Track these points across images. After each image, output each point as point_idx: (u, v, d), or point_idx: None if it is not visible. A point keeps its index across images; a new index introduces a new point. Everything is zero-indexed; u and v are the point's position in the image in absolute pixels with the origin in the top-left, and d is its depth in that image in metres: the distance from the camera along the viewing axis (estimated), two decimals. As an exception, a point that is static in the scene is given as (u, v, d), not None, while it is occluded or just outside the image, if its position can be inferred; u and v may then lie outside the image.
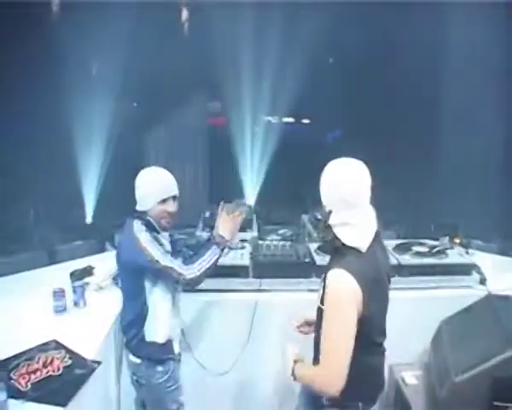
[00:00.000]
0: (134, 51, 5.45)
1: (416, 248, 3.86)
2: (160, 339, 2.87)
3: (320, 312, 2.26)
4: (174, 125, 5.86)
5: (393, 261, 3.71)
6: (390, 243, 3.99)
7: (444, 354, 3.22)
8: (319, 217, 3.96)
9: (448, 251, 3.86)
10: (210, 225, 4.27)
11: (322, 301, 2.23)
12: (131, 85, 5.59)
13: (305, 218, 4.48)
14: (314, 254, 3.71)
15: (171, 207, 2.88)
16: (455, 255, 3.87)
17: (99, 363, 2.74)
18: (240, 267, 3.64)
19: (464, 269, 3.74)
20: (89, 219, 5.33)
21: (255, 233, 4.18)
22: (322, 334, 2.20)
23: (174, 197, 2.90)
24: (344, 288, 2.12)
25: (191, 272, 2.72)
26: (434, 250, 3.80)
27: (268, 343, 3.52)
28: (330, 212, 2.22)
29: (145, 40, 5.41)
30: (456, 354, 3.12)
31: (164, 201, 2.84)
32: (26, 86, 5.15)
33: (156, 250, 2.71)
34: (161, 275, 2.75)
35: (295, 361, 2.35)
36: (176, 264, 2.72)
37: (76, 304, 3.36)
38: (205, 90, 6.11)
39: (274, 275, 3.63)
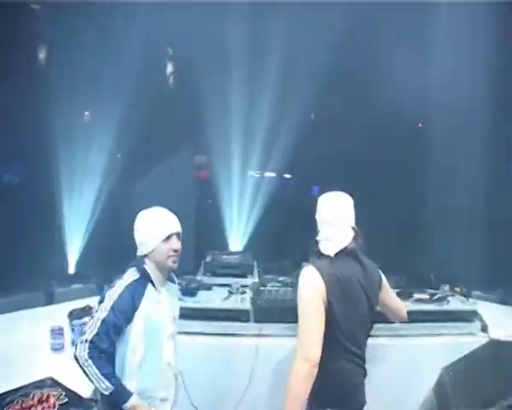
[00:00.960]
0: (118, 103, 5.49)
1: (417, 295, 3.85)
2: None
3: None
4: (159, 177, 5.84)
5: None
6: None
7: (446, 401, 3.17)
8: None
9: (449, 298, 3.85)
10: (210, 270, 4.32)
11: None
12: (115, 136, 5.60)
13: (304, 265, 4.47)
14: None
15: (176, 244, 2.75)
16: (456, 302, 3.87)
17: (96, 402, 2.68)
18: (240, 311, 3.63)
19: (466, 316, 3.73)
20: (71, 270, 5.26)
21: (256, 279, 4.17)
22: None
23: (178, 234, 2.79)
24: (309, 276, 2.57)
25: (80, 353, 2.51)
26: (435, 297, 3.80)
27: (268, 388, 3.47)
28: (319, 231, 2.73)
29: (130, 91, 5.44)
30: (459, 400, 3.08)
31: (168, 238, 2.73)
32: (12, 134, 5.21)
33: (105, 310, 2.58)
34: None
35: None
36: (82, 338, 2.56)
37: (74, 343, 3.31)
38: (189, 144, 6.13)
39: (274, 320, 3.61)
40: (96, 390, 2.78)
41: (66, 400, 2.64)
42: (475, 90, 5.55)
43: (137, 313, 2.62)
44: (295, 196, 6.28)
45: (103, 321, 2.53)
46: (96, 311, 2.64)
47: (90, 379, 2.52)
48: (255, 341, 3.51)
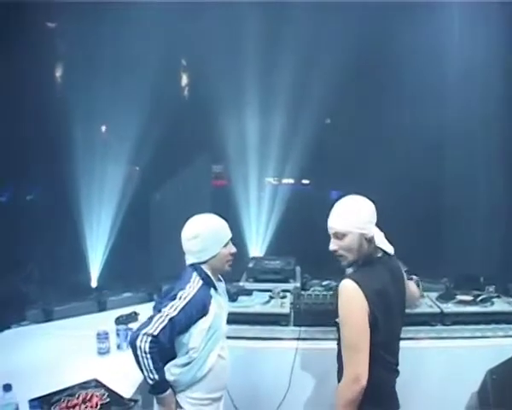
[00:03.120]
0: (134, 115, 5.58)
1: (459, 297, 3.80)
2: None
3: (337, 325, 2.51)
4: (178, 188, 5.89)
5: (436, 310, 3.68)
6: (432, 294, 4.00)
7: (489, 404, 3.12)
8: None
9: (494, 300, 3.77)
10: (253, 276, 4.40)
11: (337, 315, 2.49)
12: (133, 149, 5.68)
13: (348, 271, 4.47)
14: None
15: (233, 248, 2.93)
16: (501, 304, 3.78)
17: (136, 402, 2.80)
18: (280, 315, 3.68)
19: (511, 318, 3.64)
20: (93, 283, 5.39)
21: (298, 284, 4.21)
22: (342, 342, 2.47)
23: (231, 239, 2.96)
24: (351, 292, 2.40)
25: (141, 344, 2.63)
26: (479, 299, 3.72)
27: (307, 392, 3.50)
28: (372, 236, 2.53)
29: (145, 103, 5.51)
30: (503, 404, 3.02)
31: (226, 244, 2.89)
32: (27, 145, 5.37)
33: (175, 310, 2.69)
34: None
35: None
36: (145, 330, 2.65)
37: (119, 347, 3.47)
38: (206, 153, 6.14)
39: (314, 323, 3.65)
40: (136, 391, 2.93)
41: (108, 400, 2.76)
42: (493, 88, 5.40)
43: (206, 317, 2.76)
44: (314, 201, 6.17)
45: (171, 320, 2.66)
46: (162, 309, 2.73)
47: (140, 367, 2.67)
48: (295, 344, 3.56)
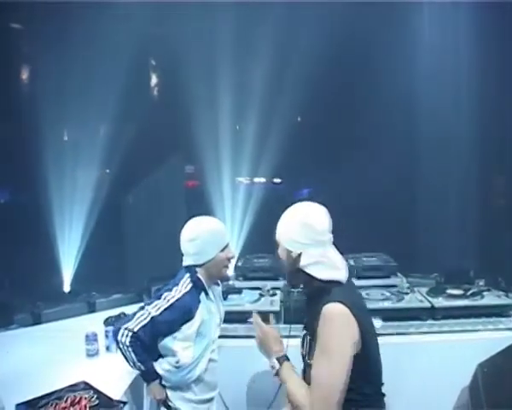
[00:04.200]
0: (104, 117, 5.56)
1: (450, 291, 3.79)
2: None
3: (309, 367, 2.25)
4: (150, 190, 5.86)
5: (426, 304, 3.67)
6: (423, 289, 4.00)
7: (481, 398, 3.10)
8: (352, 263, 3.99)
9: (484, 293, 3.77)
10: (242, 274, 4.36)
11: (310, 356, 2.27)
12: (105, 151, 5.65)
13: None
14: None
15: (231, 252, 2.91)
16: (492, 297, 3.77)
17: (124, 403, 2.77)
18: (270, 313, 3.64)
19: (502, 310, 3.64)
20: (67, 288, 5.35)
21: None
22: (316, 367, 2.16)
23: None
24: (344, 318, 2.09)
25: (122, 339, 2.68)
26: (469, 292, 3.72)
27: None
28: (300, 254, 2.24)
29: (116, 104, 5.48)
30: (494, 398, 3.00)
31: (224, 248, 2.86)
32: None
33: (158, 309, 2.70)
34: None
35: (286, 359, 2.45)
36: (127, 325, 2.69)
37: (108, 349, 3.43)
38: (178, 153, 6.10)
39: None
40: (126, 392, 2.91)
41: (96, 402, 2.73)
42: (474, 88, 5.44)
43: (191, 323, 2.75)
44: (286, 199, 6.19)
45: (152, 319, 2.67)
46: (147, 304, 2.73)
47: (125, 358, 2.72)
48: (285, 342, 3.53)
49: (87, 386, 2.90)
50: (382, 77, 5.43)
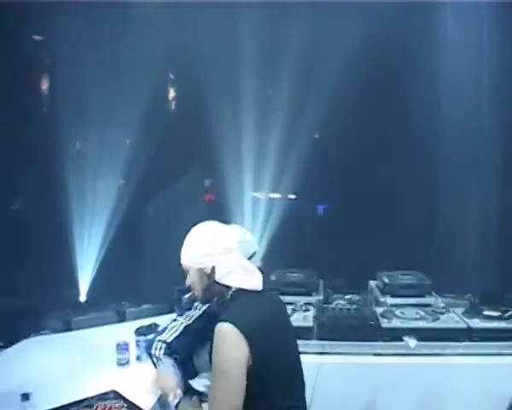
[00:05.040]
0: (126, 126, 5.58)
1: (486, 312, 3.69)
2: None
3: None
4: (171, 201, 5.82)
5: (462, 325, 3.58)
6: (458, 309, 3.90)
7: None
8: (386, 281, 3.94)
9: (524, 315, 3.66)
10: (275, 288, 4.29)
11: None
12: (123, 161, 5.65)
13: (372, 283, 4.42)
14: (380, 318, 3.64)
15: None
16: (531, 320, 3.65)
17: (154, 413, 2.74)
18: (303, 329, 3.59)
19: (541, 334, 3.51)
20: (83, 298, 5.34)
21: (321, 297, 4.13)
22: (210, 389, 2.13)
23: None
24: (229, 340, 2.04)
25: (155, 352, 2.68)
26: (507, 314, 3.62)
27: (331, 407, 3.41)
28: (213, 268, 2.21)
29: (136, 116, 5.49)
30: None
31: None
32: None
33: (191, 319, 2.73)
34: None
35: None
36: (160, 337, 2.70)
37: (139, 358, 3.40)
38: (197, 167, 6.06)
39: (338, 337, 3.57)
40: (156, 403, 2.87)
41: (126, 412, 2.71)
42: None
43: None
44: (300, 215, 6.09)
45: (185, 328, 2.63)
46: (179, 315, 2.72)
47: None
48: (318, 359, 3.48)
49: (117, 395, 2.86)
50: (402, 91, 5.40)
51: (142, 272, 5.63)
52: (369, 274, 4.63)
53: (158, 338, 2.63)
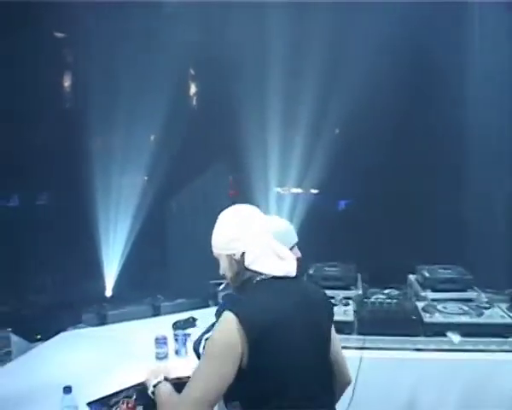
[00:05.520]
0: (151, 122, 5.57)
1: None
2: None
3: None
4: (197, 198, 5.79)
5: (509, 321, 3.47)
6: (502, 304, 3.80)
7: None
8: (427, 275, 3.84)
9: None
10: (314, 282, 4.23)
11: None
12: (149, 158, 5.66)
13: (412, 278, 4.32)
14: (422, 312, 3.55)
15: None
16: None
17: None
18: (344, 323, 3.50)
19: None
20: (108, 293, 5.32)
21: (360, 291, 4.05)
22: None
23: None
24: (225, 332, 1.92)
25: None
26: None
27: (372, 404, 3.33)
28: (243, 253, 2.10)
29: (162, 109, 5.47)
30: None
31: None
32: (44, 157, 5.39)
33: None
34: None
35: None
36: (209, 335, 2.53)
37: (177, 353, 3.37)
38: (221, 162, 6.01)
39: (379, 332, 3.48)
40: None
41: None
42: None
43: None
44: (323, 210, 6.01)
45: None
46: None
47: None
48: (359, 353, 3.40)
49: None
50: (427, 88, 5.33)
51: (171, 267, 5.62)
52: (398, 269, 4.63)
53: (205, 336, 2.55)
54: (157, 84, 5.43)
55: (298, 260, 2.71)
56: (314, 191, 6.31)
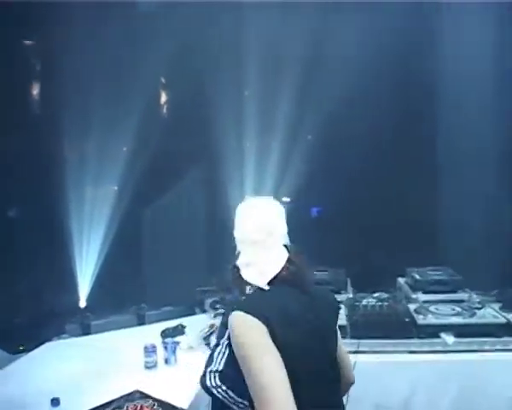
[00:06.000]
0: (123, 131, 5.52)
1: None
2: None
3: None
4: (169, 205, 5.74)
5: (502, 320, 3.49)
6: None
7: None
8: (417, 277, 3.82)
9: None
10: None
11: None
12: (121, 165, 5.58)
13: (401, 280, 4.30)
14: (414, 314, 3.52)
15: None
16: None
17: (186, 411, 2.62)
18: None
19: None
20: (84, 303, 5.22)
21: (350, 295, 4.01)
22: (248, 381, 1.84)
23: None
24: (249, 326, 1.81)
25: (210, 383, 2.44)
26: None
27: (367, 406, 3.28)
28: (239, 253, 2.03)
29: (134, 118, 5.43)
30: None
31: None
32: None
33: None
34: None
35: None
36: (210, 368, 2.32)
37: (167, 361, 3.27)
38: (195, 169, 5.98)
39: (373, 335, 3.44)
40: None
41: (160, 409, 2.60)
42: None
43: None
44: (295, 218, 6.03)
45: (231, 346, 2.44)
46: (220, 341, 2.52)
47: (228, 404, 2.32)
48: (352, 357, 3.34)
49: (142, 395, 2.75)
50: (404, 91, 5.38)
51: (152, 275, 5.52)
52: (384, 273, 4.66)
53: (208, 369, 2.43)
54: (130, 91, 5.35)
55: None
56: (287, 200, 6.25)
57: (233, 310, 1.86)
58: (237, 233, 2.05)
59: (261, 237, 2.00)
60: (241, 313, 1.82)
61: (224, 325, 2.47)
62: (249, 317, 1.80)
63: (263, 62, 5.55)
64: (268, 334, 1.78)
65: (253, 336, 1.80)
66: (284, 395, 1.73)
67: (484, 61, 5.29)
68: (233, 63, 5.58)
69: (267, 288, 1.96)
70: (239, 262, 2.02)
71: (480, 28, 5.28)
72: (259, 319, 1.79)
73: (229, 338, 2.29)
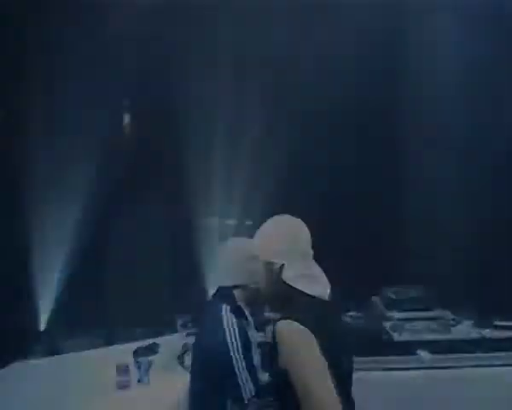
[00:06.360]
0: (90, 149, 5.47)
1: (498, 322, 3.68)
2: None
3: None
4: (132, 226, 5.67)
5: (475, 336, 3.59)
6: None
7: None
8: (393, 296, 3.82)
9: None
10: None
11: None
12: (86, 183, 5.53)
13: (376, 299, 4.29)
14: (390, 332, 3.52)
15: None
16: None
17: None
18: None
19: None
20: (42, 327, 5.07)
21: (325, 314, 3.98)
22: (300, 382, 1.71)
23: None
24: (298, 330, 1.74)
25: None
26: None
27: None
28: (283, 265, 1.96)
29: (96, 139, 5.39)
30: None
31: None
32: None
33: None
34: None
35: None
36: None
37: (140, 381, 3.17)
38: (158, 191, 5.93)
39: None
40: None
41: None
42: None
43: None
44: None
45: (250, 369, 2.34)
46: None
47: None
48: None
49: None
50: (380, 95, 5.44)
51: (118, 296, 5.40)
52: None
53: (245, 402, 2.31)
54: (96, 109, 5.28)
55: None
56: (248, 222, 6.16)
57: (281, 319, 1.79)
58: (283, 246, 1.97)
59: (311, 249, 2.01)
60: (289, 322, 1.76)
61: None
62: (295, 323, 1.75)
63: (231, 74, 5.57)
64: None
65: (311, 349, 1.72)
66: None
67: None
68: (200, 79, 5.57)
69: (326, 299, 1.92)
70: (287, 275, 1.94)
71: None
72: (311, 332, 1.73)
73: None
